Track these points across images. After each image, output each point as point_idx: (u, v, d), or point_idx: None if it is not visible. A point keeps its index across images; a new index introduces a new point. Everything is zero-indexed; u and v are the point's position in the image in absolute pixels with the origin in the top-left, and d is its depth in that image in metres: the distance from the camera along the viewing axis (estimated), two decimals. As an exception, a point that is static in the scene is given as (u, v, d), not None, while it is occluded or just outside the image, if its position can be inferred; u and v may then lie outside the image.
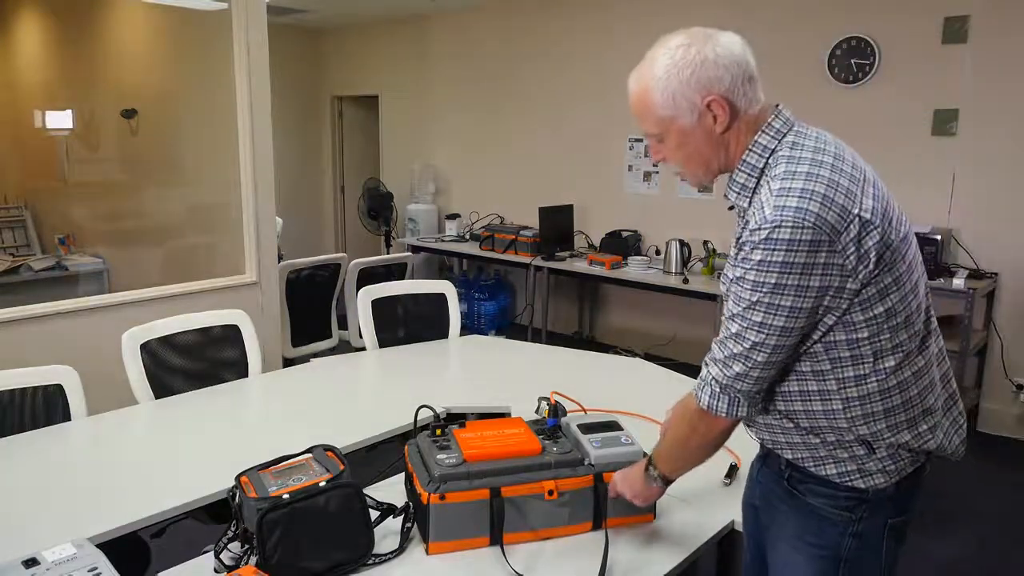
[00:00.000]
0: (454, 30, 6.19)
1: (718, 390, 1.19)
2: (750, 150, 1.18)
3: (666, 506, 1.59)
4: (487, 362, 2.65)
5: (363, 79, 7.03)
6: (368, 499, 1.46)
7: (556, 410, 1.62)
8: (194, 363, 2.36)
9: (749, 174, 1.18)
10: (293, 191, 6.98)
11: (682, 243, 4.68)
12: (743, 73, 1.16)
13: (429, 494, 1.41)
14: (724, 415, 1.20)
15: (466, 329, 2.96)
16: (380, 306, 2.86)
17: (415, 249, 5.80)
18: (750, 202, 1.17)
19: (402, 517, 1.48)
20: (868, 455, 1.20)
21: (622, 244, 5.05)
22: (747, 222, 1.15)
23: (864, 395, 1.18)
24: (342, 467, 1.45)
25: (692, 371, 2.57)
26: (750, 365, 1.16)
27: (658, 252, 5.11)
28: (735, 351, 1.16)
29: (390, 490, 1.63)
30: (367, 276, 3.91)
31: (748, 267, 1.11)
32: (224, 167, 3.68)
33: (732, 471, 1.75)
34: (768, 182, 1.13)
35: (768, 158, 1.16)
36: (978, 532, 2.91)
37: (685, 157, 1.20)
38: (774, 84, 4.63)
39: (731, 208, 1.26)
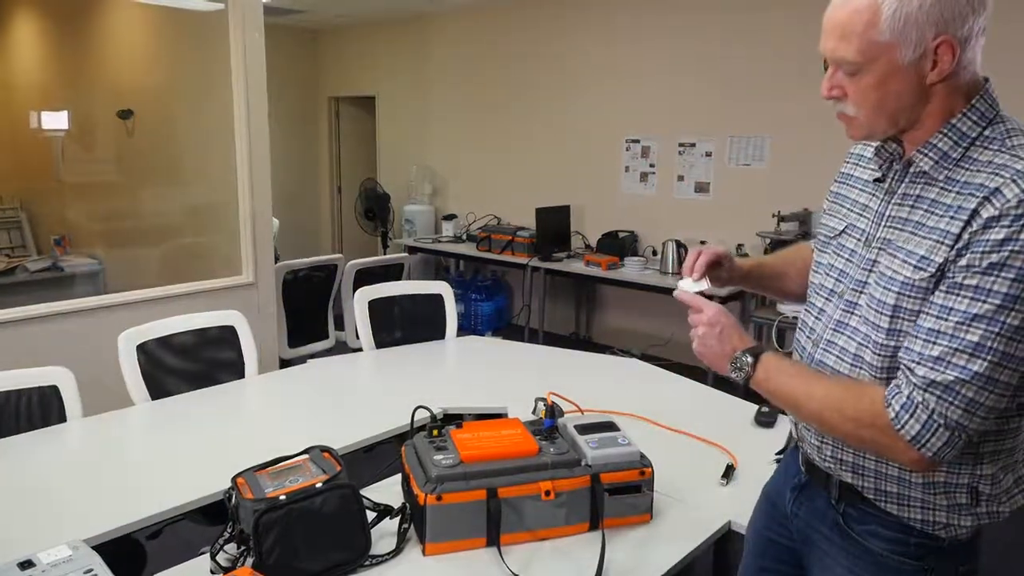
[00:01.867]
0: (452, 31, 6.14)
1: (940, 424, 0.97)
2: (964, 115, 1.00)
3: (662, 506, 1.58)
4: (484, 363, 2.63)
5: (360, 80, 6.99)
6: (365, 500, 1.45)
7: (553, 411, 1.61)
8: (190, 364, 2.34)
9: (956, 142, 1.00)
10: (290, 192, 6.94)
11: (679, 244, 4.67)
12: (983, 21, 0.97)
13: (426, 495, 1.40)
14: (931, 454, 0.98)
15: (463, 330, 2.94)
16: (377, 307, 2.84)
17: (412, 250, 5.78)
18: (947, 176, 1.00)
19: (399, 518, 1.47)
20: (969, 505, 1.05)
21: (619, 245, 5.02)
22: (962, 199, 0.97)
23: (1002, 430, 1.03)
24: (339, 468, 1.45)
25: (688, 371, 2.53)
26: (990, 390, 0.95)
27: (655, 253, 5.06)
28: (972, 370, 0.94)
29: (387, 491, 1.61)
30: (364, 277, 3.86)
31: (1007, 251, 0.91)
32: (221, 168, 3.65)
33: (729, 471, 1.74)
34: (999, 151, 0.97)
35: (984, 129, 0.99)
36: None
37: (876, 101, 1.00)
38: (775, 84, 4.57)
39: (877, 180, 1.11)
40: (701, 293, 1.23)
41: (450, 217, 6.04)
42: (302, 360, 2.99)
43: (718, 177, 4.89)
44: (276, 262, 3.85)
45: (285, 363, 3.73)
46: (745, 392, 1.22)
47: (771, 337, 3.93)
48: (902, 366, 1.01)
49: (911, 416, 0.99)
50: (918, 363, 0.98)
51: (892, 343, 1.04)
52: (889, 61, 0.97)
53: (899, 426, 0.99)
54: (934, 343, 0.97)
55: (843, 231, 1.16)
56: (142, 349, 2.24)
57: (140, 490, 1.62)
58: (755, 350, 1.13)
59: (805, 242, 1.36)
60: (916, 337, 0.99)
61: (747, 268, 1.37)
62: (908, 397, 0.99)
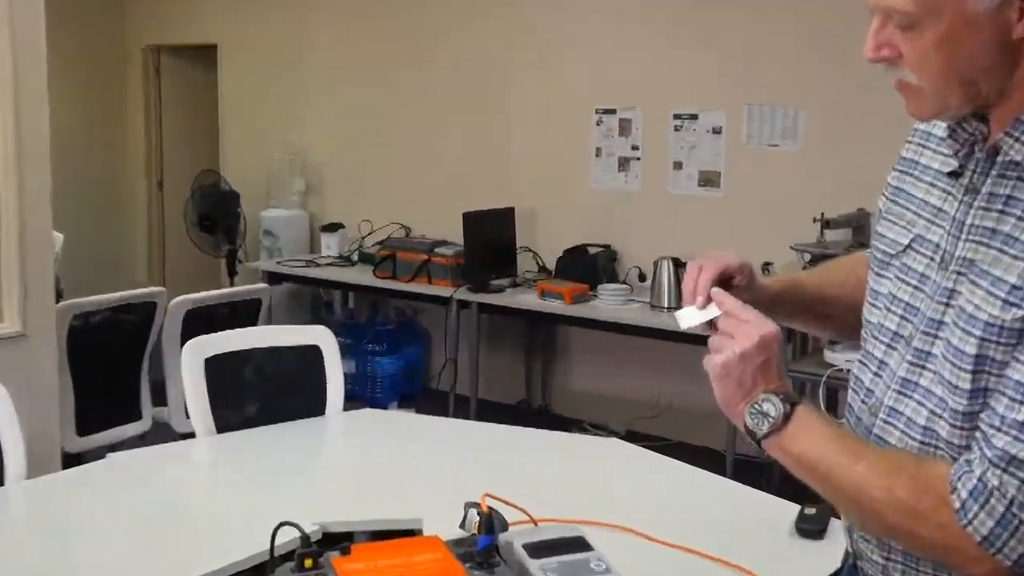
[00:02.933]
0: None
1: (1019, 522, 1.01)
2: None
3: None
4: (386, 450, 2.63)
5: (193, 22, 6.95)
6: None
7: (491, 522, 1.59)
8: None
9: None
10: (83, 190, 6.73)
11: (677, 262, 4.73)
12: None
13: (293, 665, 1.36)
14: (1010, 562, 1.03)
15: (354, 400, 2.98)
16: (219, 367, 2.77)
17: (274, 278, 5.79)
18: None
19: None
20: None
21: (589, 266, 5.08)
22: None
23: None
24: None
25: (693, 455, 2.54)
26: None
27: (643, 277, 5.11)
28: None
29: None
30: (198, 321, 3.81)
31: None
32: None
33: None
34: None
35: None
36: None
37: (943, 63, 1.05)
38: (810, 36, 4.67)
39: (953, 173, 1.17)
40: (710, 324, 1.27)
41: (333, 227, 6.06)
42: (100, 454, 2.88)
43: (732, 163, 5.02)
44: (58, 300, 3.72)
45: (72, 460, 3.58)
46: (781, 482, 1.24)
47: (818, 397, 4.08)
48: (978, 431, 1.05)
49: (982, 507, 1.01)
50: (998, 429, 1.02)
51: (978, 408, 1.07)
52: (958, 11, 1.01)
53: (965, 520, 1.02)
54: (1023, 403, 1.00)
55: (909, 246, 1.20)
56: None
57: None
58: (791, 396, 1.18)
59: (862, 252, 1.41)
60: (1001, 394, 1.03)
61: (777, 288, 1.41)
62: (980, 479, 1.02)
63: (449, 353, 5.45)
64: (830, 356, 3.98)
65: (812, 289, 1.46)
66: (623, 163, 5.34)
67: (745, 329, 1.20)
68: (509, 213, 5.41)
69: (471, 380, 5.23)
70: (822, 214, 4.50)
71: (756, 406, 1.18)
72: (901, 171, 1.26)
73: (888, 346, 1.20)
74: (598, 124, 5.38)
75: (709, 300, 1.28)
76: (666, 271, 4.75)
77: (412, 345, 5.98)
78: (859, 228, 4.46)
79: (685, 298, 1.32)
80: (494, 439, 2.72)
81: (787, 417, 1.16)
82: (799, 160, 4.85)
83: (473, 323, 5.18)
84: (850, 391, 1.28)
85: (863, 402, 1.23)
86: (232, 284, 5.87)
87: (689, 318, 1.30)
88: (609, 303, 4.85)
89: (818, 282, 1.47)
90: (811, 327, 1.51)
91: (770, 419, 1.16)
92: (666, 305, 4.70)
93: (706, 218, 5.12)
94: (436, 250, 5.35)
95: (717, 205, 5.10)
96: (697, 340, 3.93)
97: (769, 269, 4.71)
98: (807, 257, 4.41)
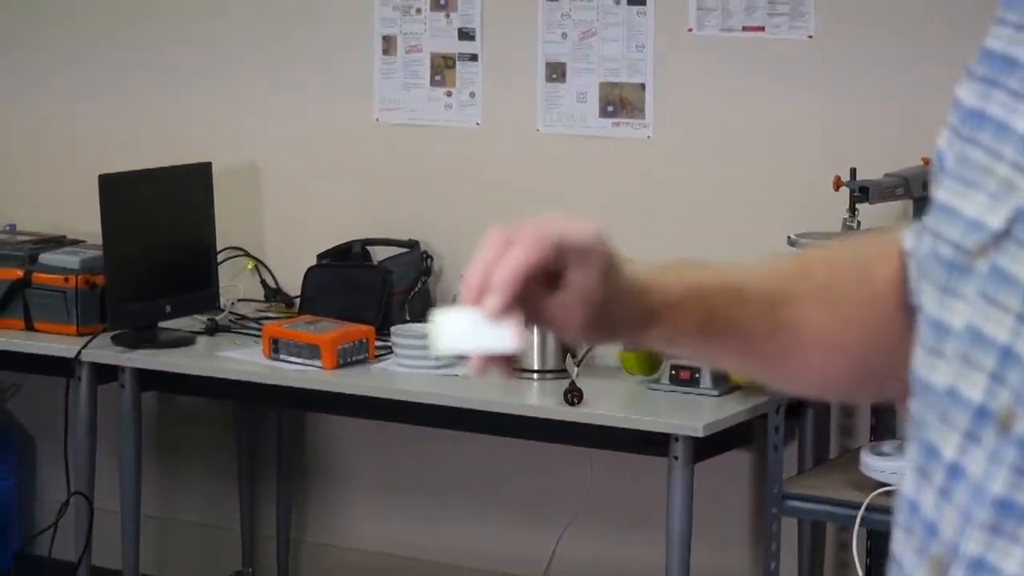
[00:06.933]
0: None
1: None
2: None
3: None
4: None
5: None
6: None
7: None
8: None
9: None
10: None
11: None
12: None
13: None
14: None
15: None
16: None
17: None
18: None
19: None
20: None
21: (372, 287, 4.24)
22: None
23: None
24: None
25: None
26: None
27: None
28: None
29: None
30: None
31: None
32: None
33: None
34: None
35: None
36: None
37: None
38: None
39: None
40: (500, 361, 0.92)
41: None
42: None
43: (669, 70, 4.01)
44: None
45: None
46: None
47: (851, 553, 3.47)
48: None
49: None
50: None
51: None
52: None
53: None
54: None
55: (1008, 233, 0.82)
56: None
57: None
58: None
59: (888, 231, 1.05)
60: None
61: (682, 287, 0.97)
62: None
63: (75, 480, 4.13)
64: (874, 464, 3.11)
65: (763, 291, 0.97)
66: (443, 68, 4.16)
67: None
68: (201, 175, 4.20)
69: (125, 536, 4.02)
70: (853, 172, 3.65)
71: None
72: (984, 80, 0.85)
73: (967, 435, 0.80)
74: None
75: (511, 303, 0.87)
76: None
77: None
78: (922, 199, 3.86)
79: (464, 294, 0.92)
80: None
81: None
82: (807, 62, 3.87)
83: (129, 412, 3.96)
84: (897, 528, 0.90)
85: (920, 542, 0.87)
86: None
87: (457, 339, 0.86)
88: (416, 365, 3.80)
89: (777, 278, 1.00)
90: (758, 367, 1.05)
91: None
92: (535, 366, 3.74)
93: (616, 182, 4.04)
94: (43, 259, 4.22)
95: (638, 155, 4.02)
96: (598, 433, 3.74)
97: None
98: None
